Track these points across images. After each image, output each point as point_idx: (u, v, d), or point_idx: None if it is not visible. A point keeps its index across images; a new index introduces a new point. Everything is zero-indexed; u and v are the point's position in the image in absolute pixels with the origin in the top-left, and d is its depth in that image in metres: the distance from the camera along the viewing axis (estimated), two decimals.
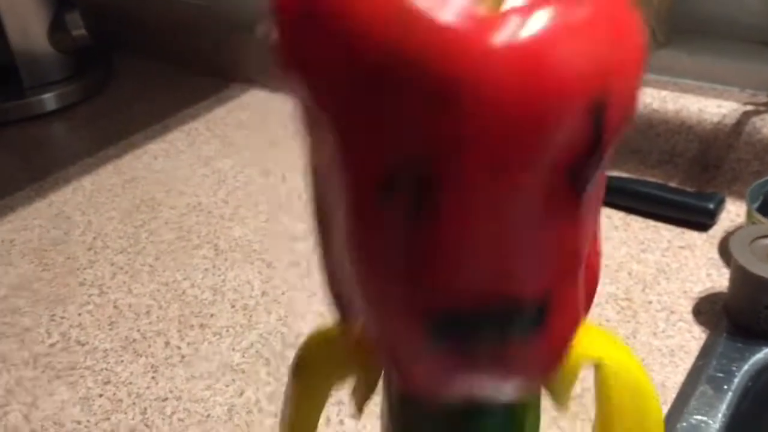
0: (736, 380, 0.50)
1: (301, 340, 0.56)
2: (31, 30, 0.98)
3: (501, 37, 0.21)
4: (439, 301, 0.24)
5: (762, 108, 0.67)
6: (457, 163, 0.22)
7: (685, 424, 0.48)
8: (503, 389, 0.27)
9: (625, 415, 0.31)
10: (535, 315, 0.25)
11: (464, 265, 0.23)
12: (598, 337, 0.30)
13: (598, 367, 0.30)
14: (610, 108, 0.22)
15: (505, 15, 0.21)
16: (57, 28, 0.98)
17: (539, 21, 0.21)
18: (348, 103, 0.23)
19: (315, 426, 0.33)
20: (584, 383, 0.29)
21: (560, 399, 0.30)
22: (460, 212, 0.23)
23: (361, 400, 0.31)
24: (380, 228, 0.24)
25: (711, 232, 0.65)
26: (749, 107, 0.67)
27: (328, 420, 0.50)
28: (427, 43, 0.21)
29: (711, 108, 0.69)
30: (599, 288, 0.62)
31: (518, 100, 0.21)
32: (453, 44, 0.21)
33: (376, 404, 0.32)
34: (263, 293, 0.62)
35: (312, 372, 0.32)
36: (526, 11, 0.21)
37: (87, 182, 0.80)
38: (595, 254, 0.29)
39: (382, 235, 0.24)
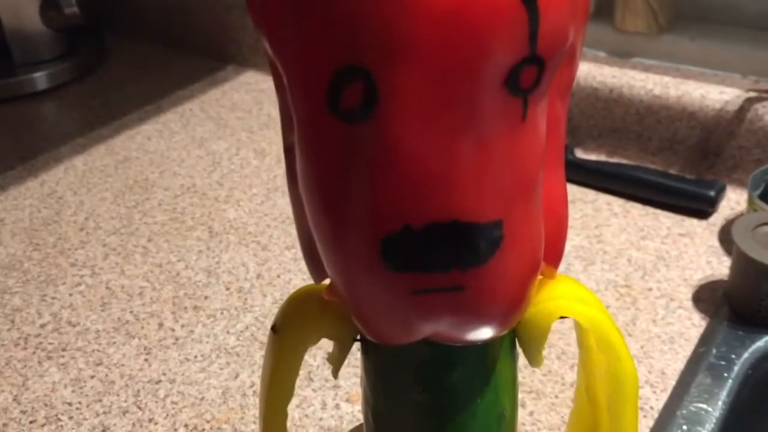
0: (736, 368, 0.50)
1: None
2: (22, 7, 0.96)
3: None
4: (389, 218, 0.24)
5: (764, 95, 0.66)
6: (394, 70, 0.22)
7: (684, 411, 0.47)
8: (466, 330, 0.27)
9: (601, 370, 0.31)
10: (487, 241, 0.24)
11: (410, 178, 0.23)
12: (568, 290, 0.30)
13: (575, 323, 0.30)
14: (544, 11, 0.22)
15: None
16: (49, 5, 0.96)
17: None
18: (294, 31, 0.23)
19: (291, 386, 0.33)
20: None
21: (532, 354, 0.30)
22: (401, 123, 0.23)
23: (336, 362, 0.32)
24: (331, 142, 0.24)
25: (711, 219, 0.64)
26: (752, 94, 0.67)
27: (324, 404, 0.49)
28: None
29: (713, 94, 0.68)
30: (598, 275, 0.62)
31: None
32: None
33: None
34: (258, 276, 0.61)
35: (288, 332, 0.32)
36: None
37: (79, 162, 0.79)
38: (559, 199, 0.29)
39: (333, 150, 0.24)
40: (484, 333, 0.27)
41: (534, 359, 0.30)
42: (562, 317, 0.30)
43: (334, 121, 0.23)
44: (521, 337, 0.31)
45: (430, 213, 0.24)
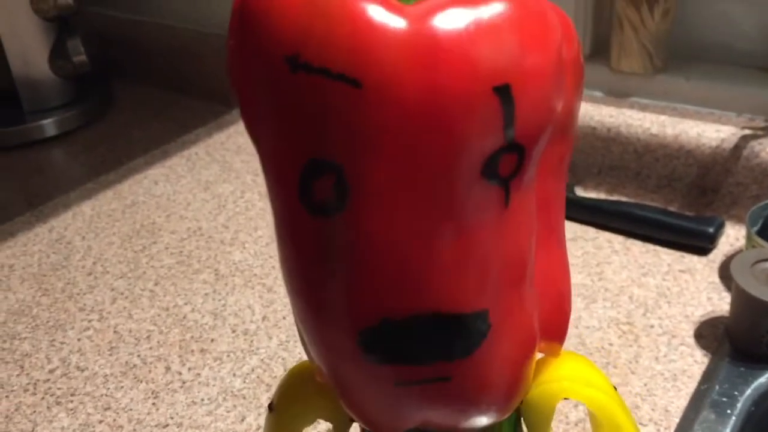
0: (739, 405, 0.50)
1: None
2: (32, 55, 0.98)
3: (407, 25, 0.21)
4: (366, 312, 0.23)
5: (760, 132, 0.68)
6: (365, 164, 0.21)
7: None
8: (459, 418, 0.26)
9: None
10: (473, 332, 0.23)
11: (386, 271, 0.22)
12: (573, 370, 0.29)
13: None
14: (520, 100, 0.21)
15: (418, 8, 0.21)
16: (58, 54, 0.98)
17: (449, 14, 0.21)
18: (265, 108, 0.23)
19: None
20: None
21: None
22: (374, 216, 0.22)
23: None
24: (304, 233, 0.23)
25: (711, 256, 0.65)
26: (747, 131, 0.68)
27: None
28: (333, 26, 0.21)
29: (709, 132, 0.69)
30: (600, 312, 0.62)
31: (420, 85, 0.21)
32: (359, 28, 0.21)
33: None
34: (264, 318, 0.62)
35: (284, 412, 0.31)
36: (438, 6, 0.21)
37: (87, 207, 0.80)
38: (559, 276, 0.28)
39: (307, 241, 0.23)
40: (479, 420, 0.26)
41: None
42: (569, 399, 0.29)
43: (306, 213, 0.22)
44: (526, 416, 0.30)
45: (409, 306, 0.23)
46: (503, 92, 0.21)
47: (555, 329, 0.28)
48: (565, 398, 0.29)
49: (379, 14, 0.21)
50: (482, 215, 0.23)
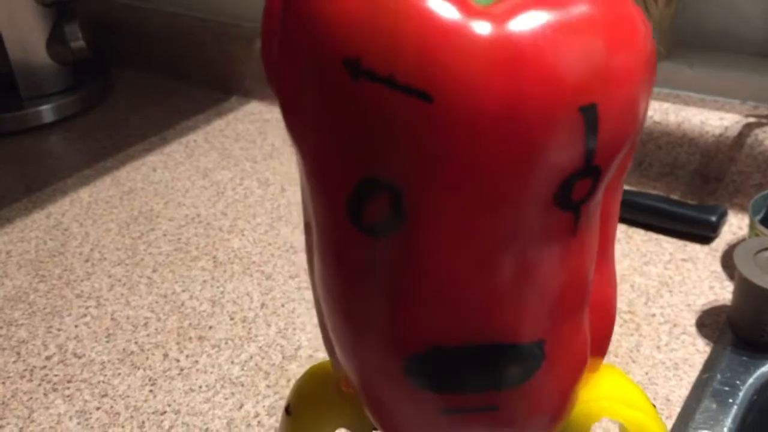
0: (740, 394, 0.50)
1: (301, 352, 0.55)
2: (29, 41, 0.97)
3: (487, 30, 0.18)
4: (415, 339, 0.21)
5: (764, 120, 0.67)
6: (426, 186, 0.19)
7: None
8: None
9: None
10: (528, 361, 0.22)
11: (442, 299, 0.21)
12: (613, 388, 0.28)
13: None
14: (604, 118, 0.19)
15: (497, 9, 0.18)
16: (55, 39, 0.97)
17: (533, 18, 0.18)
18: (314, 114, 0.20)
19: None
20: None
21: None
22: (432, 240, 0.20)
23: None
24: (351, 252, 0.21)
25: (713, 244, 0.65)
26: (751, 119, 0.67)
27: None
28: (397, 29, 0.18)
29: (713, 120, 0.68)
30: None
31: (500, 100, 0.18)
32: (428, 32, 0.18)
33: None
34: (262, 305, 0.61)
35: (303, 417, 0.30)
36: (520, 7, 0.18)
37: (85, 194, 0.80)
38: (609, 296, 0.26)
39: (354, 260, 0.21)
40: None
41: None
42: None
43: (356, 232, 0.20)
44: None
45: (464, 335, 0.21)
46: (589, 112, 0.19)
47: (599, 346, 0.26)
48: (604, 417, 0.28)
49: (452, 15, 0.18)
50: (548, 243, 0.21)
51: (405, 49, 0.17)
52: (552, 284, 0.21)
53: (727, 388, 0.50)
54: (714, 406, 0.49)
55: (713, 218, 0.64)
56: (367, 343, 0.22)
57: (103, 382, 0.55)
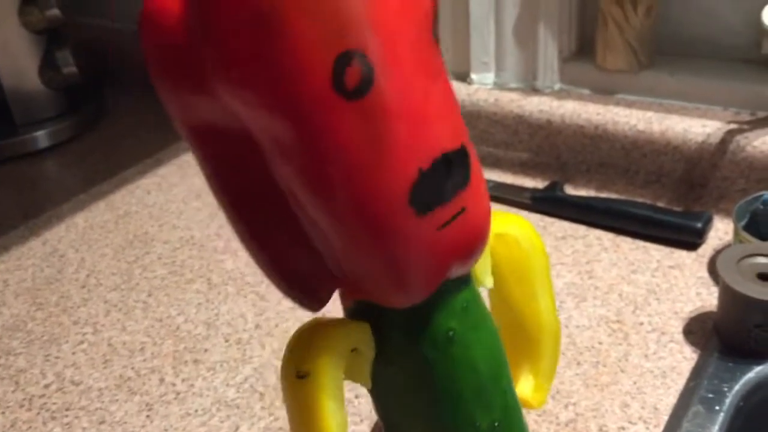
0: (727, 400, 0.51)
1: None
2: (22, 68, 0.99)
3: None
4: (408, 168, 0.27)
5: (745, 126, 0.68)
6: (378, 47, 0.26)
7: None
8: (474, 253, 0.31)
9: (516, 267, 0.38)
10: (467, 160, 0.29)
11: (414, 127, 0.27)
12: (502, 218, 0.37)
13: (502, 237, 0.37)
14: None
15: None
16: (48, 65, 0.99)
17: None
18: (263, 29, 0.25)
19: (345, 423, 0.32)
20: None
21: (483, 276, 0.36)
22: (395, 86, 0.26)
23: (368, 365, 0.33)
24: (342, 122, 0.26)
25: (700, 250, 0.65)
26: (733, 126, 0.68)
27: None
28: None
29: (695, 128, 0.69)
30: (591, 311, 0.62)
31: None
32: None
33: None
34: (257, 326, 0.62)
35: (326, 374, 0.30)
36: None
37: (80, 219, 0.81)
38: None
39: (346, 128, 0.26)
40: (480, 250, 0.32)
41: (484, 279, 0.36)
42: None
43: (344, 101, 0.26)
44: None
45: (430, 152, 0.27)
46: None
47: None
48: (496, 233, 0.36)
49: None
50: (435, 67, 0.28)
51: None
52: (450, 99, 0.29)
53: (713, 395, 0.51)
54: (701, 413, 0.50)
55: (699, 225, 0.65)
56: (376, 197, 0.28)
57: (101, 408, 0.56)
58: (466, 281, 0.34)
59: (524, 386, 0.42)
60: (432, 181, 0.28)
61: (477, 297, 0.35)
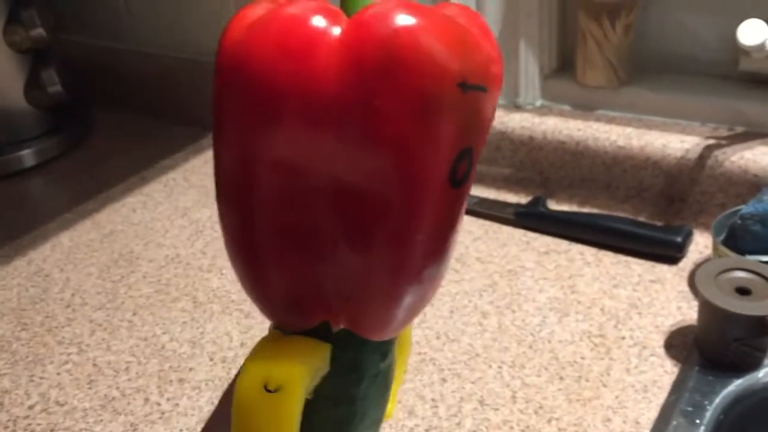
0: (708, 414, 0.51)
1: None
2: (7, 87, 0.99)
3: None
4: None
5: (723, 141, 0.69)
6: (479, 144, 0.29)
7: None
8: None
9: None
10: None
11: None
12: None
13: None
14: None
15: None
16: (33, 84, 0.99)
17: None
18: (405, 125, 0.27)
19: None
20: None
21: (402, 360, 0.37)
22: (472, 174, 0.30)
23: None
24: (449, 202, 0.29)
25: (680, 264, 0.66)
26: (711, 141, 0.69)
27: None
28: (475, 52, 0.27)
29: (674, 143, 0.70)
30: (573, 326, 0.63)
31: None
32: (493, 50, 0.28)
33: None
34: (242, 344, 0.62)
35: (294, 384, 0.29)
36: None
37: (65, 238, 0.81)
38: None
39: (450, 206, 0.29)
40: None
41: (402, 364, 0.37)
42: None
43: (448, 189, 0.28)
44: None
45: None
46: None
47: None
48: None
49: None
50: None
51: (480, 64, 0.28)
52: None
53: (694, 409, 0.51)
54: (682, 426, 0.50)
55: (679, 239, 0.66)
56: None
57: (85, 429, 0.56)
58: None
59: None
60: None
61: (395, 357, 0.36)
